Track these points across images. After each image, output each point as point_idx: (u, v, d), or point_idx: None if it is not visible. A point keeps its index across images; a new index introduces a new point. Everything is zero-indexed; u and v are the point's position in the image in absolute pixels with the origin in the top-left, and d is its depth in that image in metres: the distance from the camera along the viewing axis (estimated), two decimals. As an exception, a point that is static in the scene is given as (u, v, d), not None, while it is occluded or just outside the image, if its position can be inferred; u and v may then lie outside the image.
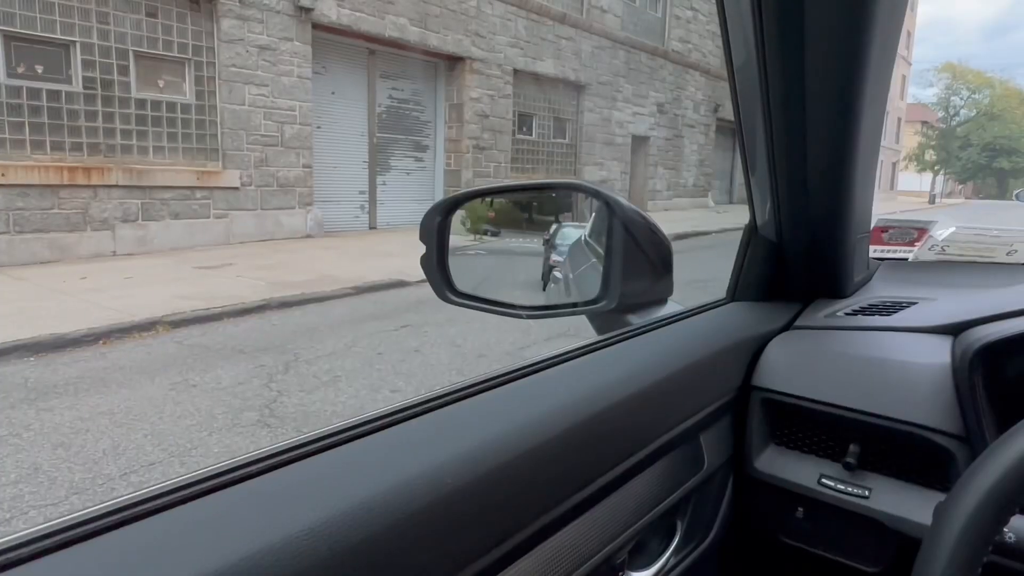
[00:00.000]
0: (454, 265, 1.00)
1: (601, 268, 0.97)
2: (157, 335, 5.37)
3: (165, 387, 4.12)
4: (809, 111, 0.83)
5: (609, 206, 0.92)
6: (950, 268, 1.13)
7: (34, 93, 7.97)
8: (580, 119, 16.92)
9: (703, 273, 8.50)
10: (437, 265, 0.97)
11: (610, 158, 18.00)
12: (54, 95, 8.12)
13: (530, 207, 1.41)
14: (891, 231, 1.15)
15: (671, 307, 0.98)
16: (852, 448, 0.83)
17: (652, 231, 0.94)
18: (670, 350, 0.81)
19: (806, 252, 1.00)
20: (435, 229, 0.97)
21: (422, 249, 0.97)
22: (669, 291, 1.00)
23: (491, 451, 0.52)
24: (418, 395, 0.57)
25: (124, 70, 8.69)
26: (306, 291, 6.80)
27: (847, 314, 0.99)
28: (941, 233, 1.12)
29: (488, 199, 1.25)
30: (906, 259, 1.15)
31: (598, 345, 0.76)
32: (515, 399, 0.61)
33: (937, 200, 40.61)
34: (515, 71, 14.51)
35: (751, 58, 0.81)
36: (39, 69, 8.02)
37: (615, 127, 18.04)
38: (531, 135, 15.75)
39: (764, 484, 0.89)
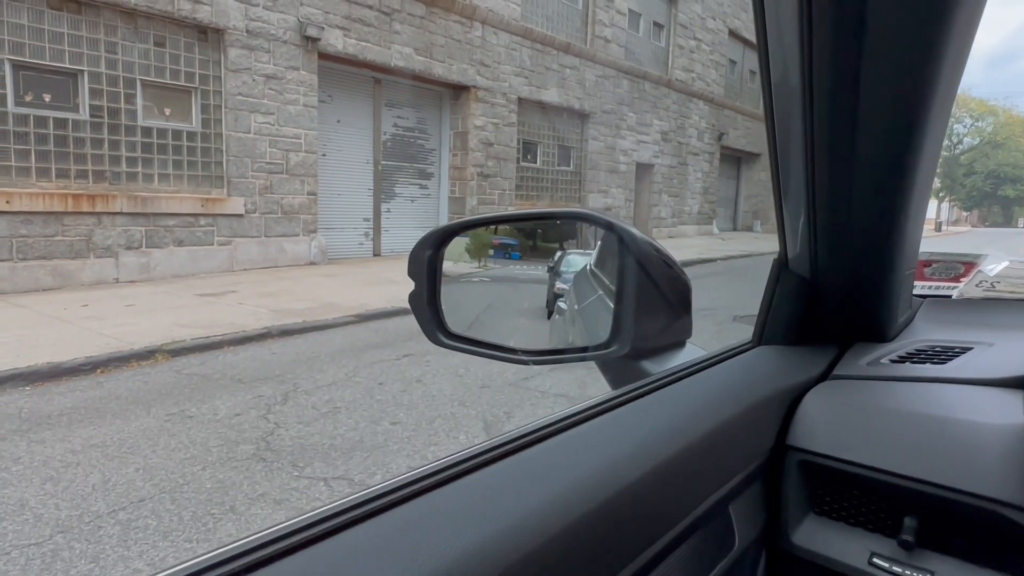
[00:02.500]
0: (447, 301, 0.90)
1: (608, 301, 0.88)
2: (156, 364, 5.28)
3: (161, 418, 4.02)
4: (862, 125, 0.72)
5: (622, 240, 0.83)
6: (1002, 307, 1.02)
7: (41, 121, 8.01)
8: (584, 147, 16.99)
9: (709, 301, 8.43)
10: (428, 303, 0.88)
11: (615, 185, 18.03)
12: (61, 123, 8.16)
13: (534, 234, 1.33)
14: (935, 265, 1.05)
15: (690, 350, 0.88)
16: (908, 522, 0.71)
17: (668, 265, 0.84)
18: (694, 407, 0.70)
19: (845, 289, 0.88)
20: (425, 263, 0.87)
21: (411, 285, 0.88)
22: (688, 333, 0.89)
23: (489, 553, 0.41)
24: (379, 485, 0.45)
25: (131, 99, 8.74)
26: (308, 319, 6.72)
27: (893, 361, 0.88)
28: (992, 268, 1.02)
29: (492, 227, 1.17)
30: (949, 296, 1.05)
31: (611, 404, 0.65)
32: (516, 479, 0.50)
33: (943, 227, 40.49)
34: (520, 99, 14.60)
35: (793, 65, 0.70)
36: (47, 97, 8.07)
37: (619, 155, 18.11)
38: (536, 163, 15.80)
39: (803, 562, 0.77)
